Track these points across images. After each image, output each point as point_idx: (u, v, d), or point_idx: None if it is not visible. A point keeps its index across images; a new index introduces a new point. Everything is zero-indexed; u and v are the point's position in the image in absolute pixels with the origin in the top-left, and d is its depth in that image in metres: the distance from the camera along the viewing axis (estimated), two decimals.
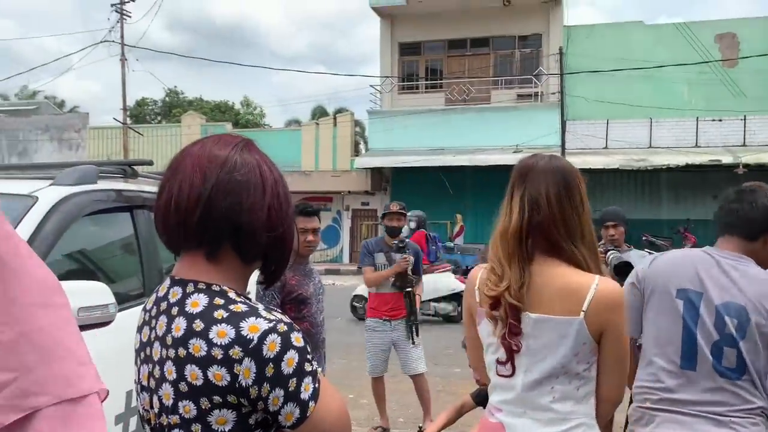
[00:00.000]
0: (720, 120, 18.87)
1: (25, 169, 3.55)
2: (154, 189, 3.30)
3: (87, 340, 2.23)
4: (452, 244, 18.81)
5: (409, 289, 4.88)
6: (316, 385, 1.08)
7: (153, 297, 1.19)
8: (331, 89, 70.99)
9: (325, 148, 22.19)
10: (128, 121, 24.61)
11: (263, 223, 1.12)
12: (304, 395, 1.06)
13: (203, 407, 1.04)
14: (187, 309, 1.08)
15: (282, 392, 1.04)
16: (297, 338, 1.06)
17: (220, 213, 1.09)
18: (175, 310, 1.10)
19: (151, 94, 47.43)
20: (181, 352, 1.05)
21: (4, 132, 26.12)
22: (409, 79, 23.06)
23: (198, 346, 1.04)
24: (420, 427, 4.81)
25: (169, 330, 1.09)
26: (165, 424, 1.09)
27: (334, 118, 23.10)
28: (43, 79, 68.34)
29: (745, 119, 18.74)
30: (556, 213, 1.58)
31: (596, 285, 1.55)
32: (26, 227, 2.23)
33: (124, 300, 2.50)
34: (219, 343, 1.03)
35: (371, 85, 22.39)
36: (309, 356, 1.08)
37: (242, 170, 1.12)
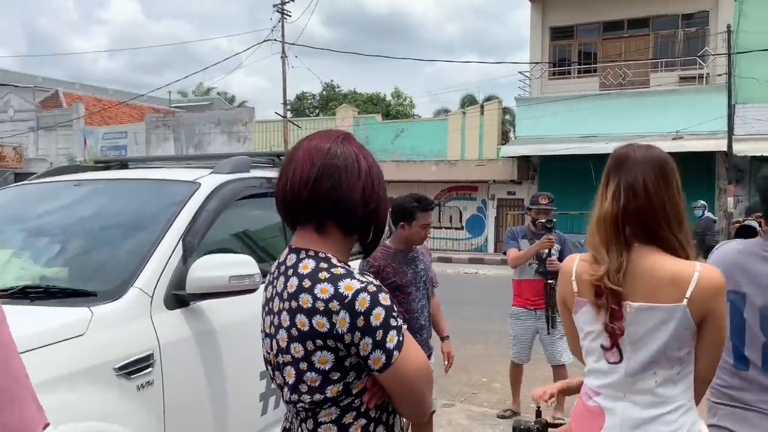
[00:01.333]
0: None
1: (197, 160, 4.12)
2: None
3: (237, 306, 2.62)
4: None
5: (551, 281, 4.80)
6: (401, 338, 1.29)
7: (276, 262, 1.45)
8: (482, 77, 70.33)
9: (471, 137, 22.22)
10: (289, 114, 26.29)
11: (358, 201, 1.36)
12: (390, 345, 1.27)
13: (308, 348, 1.29)
14: (299, 270, 1.34)
15: (370, 340, 1.26)
16: (384, 298, 1.29)
17: (324, 192, 1.34)
18: (290, 272, 1.35)
19: (310, 89, 50.08)
20: (293, 304, 1.31)
21: (183, 126, 29.09)
22: (561, 65, 22.38)
23: (306, 300, 1.29)
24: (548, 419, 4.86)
25: (285, 287, 1.35)
26: (281, 362, 1.35)
27: (481, 107, 23.02)
28: (216, 76, 74.59)
29: None
30: (654, 200, 1.64)
31: (698, 272, 1.60)
32: (190, 208, 2.67)
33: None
34: (322, 298, 1.27)
35: (520, 72, 22.05)
36: (395, 314, 1.30)
37: (341, 157, 1.37)
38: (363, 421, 1.35)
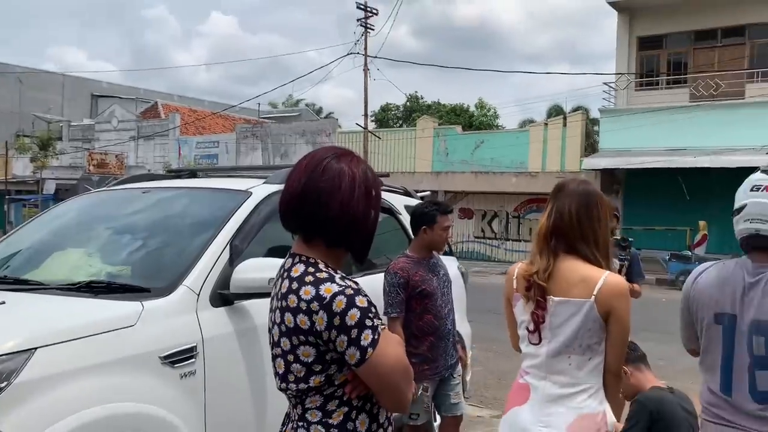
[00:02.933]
0: None
1: (262, 170, 4.39)
2: None
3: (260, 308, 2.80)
4: (690, 254, 17.33)
5: None
6: (376, 336, 1.43)
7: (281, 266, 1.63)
8: (570, 87, 68.78)
9: (553, 149, 21.86)
10: (373, 125, 26.76)
11: (336, 215, 1.49)
12: (364, 342, 1.42)
13: (294, 343, 1.47)
14: (291, 274, 1.52)
15: (346, 338, 1.41)
16: (361, 300, 1.44)
17: (307, 208, 1.50)
18: (285, 274, 1.54)
19: (395, 100, 50.69)
20: (283, 303, 1.49)
21: (270, 136, 30.23)
22: (649, 75, 21.67)
23: (293, 300, 1.46)
24: None
25: (280, 288, 1.53)
26: (274, 354, 1.55)
27: (564, 118, 22.61)
28: (306, 89, 76.79)
29: None
30: (573, 222, 2.10)
31: (605, 277, 2.04)
32: (240, 215, 2.91)
33: None
34: (305, 299, 1.44)
35: (605, 83, 21.52)
36: (371, 314, 1.44)
37: (326, 176, 1.50)
38: (345, 409, 1.50)
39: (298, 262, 1.52)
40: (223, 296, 2.67)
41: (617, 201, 20.91)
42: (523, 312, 2.17)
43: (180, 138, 30.31)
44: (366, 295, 1.47)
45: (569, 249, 2.11)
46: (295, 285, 1.47)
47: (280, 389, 1.56)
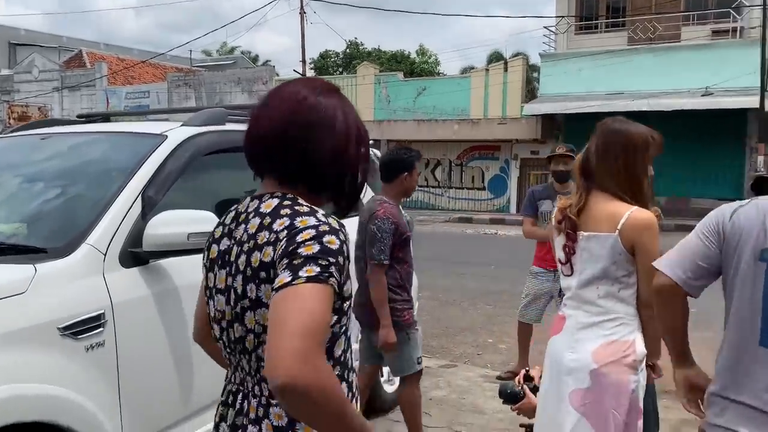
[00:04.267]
0: None
1: (185, 113, 3.97)
2: None
3: (197, 266, 2.50)
4: None
5: None
6: (321, 277, 1.13)
7: (232, 213, 1.37)
8: (511, 33, 68.70)
9: (495, 95, 21.73)
10: (312, 73, 25.93)
11: (328, 158, 1.28)
12: (302, 273, 1.13)
13: (258, 284, 1.22)
14: (261, 210, 1.27)
15: (287, 261, 1.15)
16: (331, 240, 1.19)
17: (293, 144, 1.26)
18: (251, 215, 1.28)
19: (335, 47, 49.40)
20: (251, 243, 1.24)
21: (204, 85, 29.01)
22: (588, 19, 21.62)
23: (263, 236, 1.23)
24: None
25: (245, 231, 1.28)
26: (239, 311, 1.26)
27: (505, 64, 22.43)
28: (240, 36, 74.04)
29: None
30: (601, 161, 2.19)
31: (630, 212, 2.11)
32: (153, 162, 2.54)
33: None
34: (276, 230, 1.21)
35: (545, 27, 21.38)
36: (331, 259, 1.17)
37: (318, 109, 1.28)
38: None
39: (268, 198, 1.29)
40: (136, 255, 2.32)
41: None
42: (558, 244, 2.32)
43: (108, 88, 28.74)
44: (344, 241, 1.22)
45: (600, 186, 2.19)
46: (267, 220, 1.24)
47: (251, 351, 1.26)
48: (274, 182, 1.32)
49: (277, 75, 27.11)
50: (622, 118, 2.28)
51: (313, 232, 1.18)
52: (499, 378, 4.95)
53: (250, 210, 1.30)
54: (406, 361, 3.41)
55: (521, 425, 3.11)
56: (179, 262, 2.43)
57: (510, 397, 3.05)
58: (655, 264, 1.83)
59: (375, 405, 4.03)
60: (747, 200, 1.72)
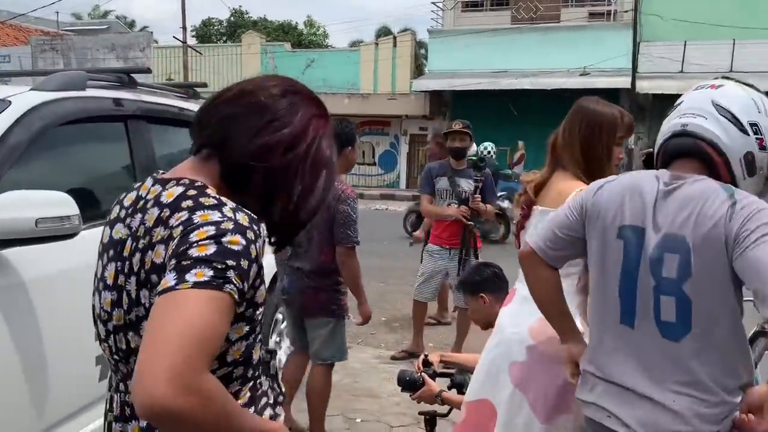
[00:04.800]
0: None
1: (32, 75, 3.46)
2: (155, 99, 3.19)
3: (60, 254, 2.14)
4: (510, 172, 18.25)
5: (471, 223, 4.57)
6: (212, 283, 0.95)
7: (132, 195, 1.17)
8: (399, 8, 68.97)
9: (384, 70, 21.65)
10: (194, 41, 24.65)
11: (245, 144, 1.10)
12: (190, 276, 0.94)
13: (150, 290, 1.04)
14: (161, 200, 1.08)
15: (175, 262, 0.97)
16: (233, 240, 0.99)
17: (218, 117, 1.13)
18: (150, 204, 1.09)
19: (218, 15, 47.25)
20: (147, 239, 1.06)
21: (74, 51, 26.78)
22: None
23: (158, 232, 1.05)
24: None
25: (142, 223, 1.09)
26: (134, 319, 1.08)
27: (394, 39, 22.39)
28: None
29: None
30: (565, 141, 2.20)
31: (579, 189, 1.97)
32: None
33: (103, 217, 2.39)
34: (171, 225, 1.02)
35: (433, 2, 21.49)
36: (230, 262, 0.98)
37: (266, 91, 1.15)
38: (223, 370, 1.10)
39: (173, 185, 1.10)
40: None
41: (445, 122, 21.38)
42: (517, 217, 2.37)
43: None
44: (252, 241, 1.02)
45: (563, 166, 2.20)
46: (166, 212, 1.05)
47: (126, 364, 1.13)
48: (196, 161, 1.15)
49: (155, 42, 25.50)
50: (597, 98, 2.25)
51: (212, 229, 0.99)
52: (393, 358, 4.85)
53: (149, 197, 1.11)
54: (339, 347, 3.34)
55: (420, 413, 2.99)
56: (30, 252, 2.05)
57: (409, 384, 2.92)
58: (526, 235, 1.87)
59: None
60: (614, 176, 1.74)
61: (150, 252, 1.05)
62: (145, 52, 27.85)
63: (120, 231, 1.14)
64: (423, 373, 2.90)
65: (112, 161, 2.78)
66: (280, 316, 3.96)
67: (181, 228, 1.01)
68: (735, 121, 1.52)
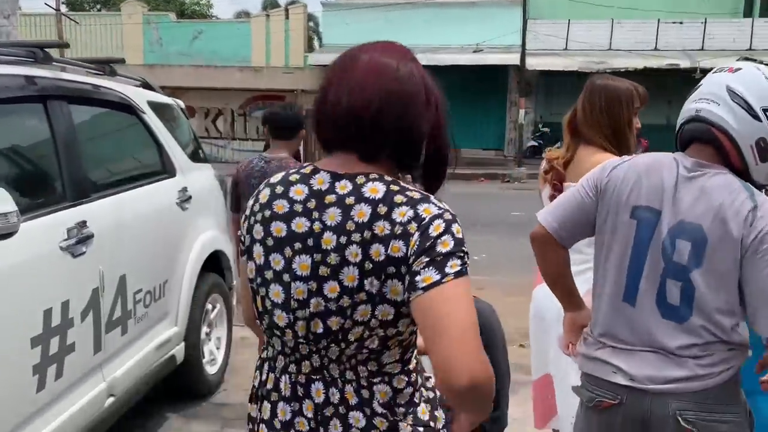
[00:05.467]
0: (681, 23, 18.60)
1: None
2: (73, 77, 2.89)
3: None
4: None
5: None
6: (464, 270, 1.13)
7: (300, 188, 1.22)
8: None
9: (276, 43, 21.07)
10: (65, 8, 22.76)
11: (424, 132, 1.21)
12: (449, 269, 1.11)
13: (382, 279, 1.14)
14: (367, 196, 1.17)
15: (427, 259, 1.11)
16: (458, 229, 1.16)
17: (388, 120, 1.17)
18: (351, 200, 1.17)
19: None
20: (366, 234, 1.14)
21: None
22: None
23: (382, 227, 1.14)
24: None
25: (348, 218, 1.16)
26: (346, 305, 1.16)
27: (286, 10, 21.81)
28: None
29: (705, 22, 18.51)
30: (588, 116, 2.35)
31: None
32: None
33: (31, 208, 2.14)
34: (400, 221, 1.14)
35: None
36: (464, 249, 1.15)
37: (411, 81, 1.20)
38: (416, 355, 1.28)
39: (368, 181, 1.19)
40: None
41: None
42: (544, 195, 2.46)
43: None
44: (459, 223, 1.18)
45: (588, 141, 2.33)
46: (382, 209, 1.15)
47: (311, 345, 1.20)
48: (353, 158, 1.21)
49: (20, 8, 23.33)
50: (607, 75, 2.44)
51: (442, 223, 1.15)
52: None
53: (342, 193, 1.19)
54: None
55: None
56: None
57: None
58: (537, 214, 1.87)
59: (198, 389, 3.63)
60: (630, 156, 1.78)
61: (378, 245, 1.14)
62: (11, 20, 25.30)
63: (304, 225, 1.19)
64: None
65: (31, 146, 2.50)
66: (210, 306, 3.79)
67: (415, 224, 1.13)
68: (747, 107, 1.54)
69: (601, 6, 18.30)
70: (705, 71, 15.19)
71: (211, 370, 3.75)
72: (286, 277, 1.20)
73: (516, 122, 19.60)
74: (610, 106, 2.30)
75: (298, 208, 1.21)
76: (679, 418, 1.54)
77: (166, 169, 3.51)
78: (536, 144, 19.96)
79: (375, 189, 1.17)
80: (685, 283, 1.55)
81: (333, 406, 1.21)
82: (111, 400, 2.66)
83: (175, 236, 3.39)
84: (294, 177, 1.25)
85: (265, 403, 1.28)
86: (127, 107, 3.25)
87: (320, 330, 1.19)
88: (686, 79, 15.50)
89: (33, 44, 2.68)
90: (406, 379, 1.23)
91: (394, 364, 1.22)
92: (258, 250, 1.23)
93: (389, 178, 1.19)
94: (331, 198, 1.19)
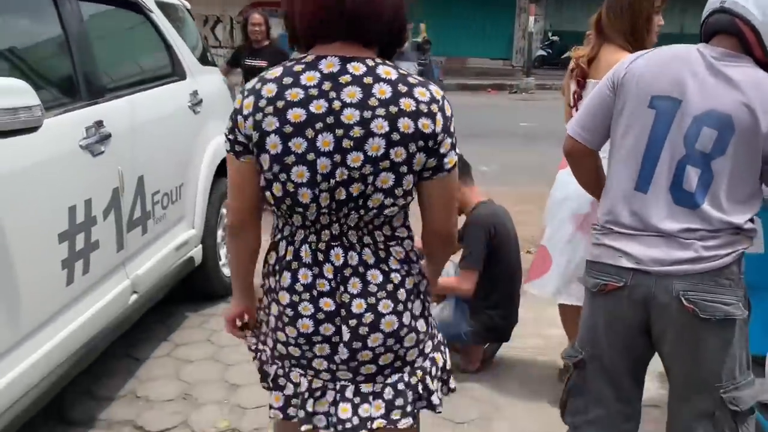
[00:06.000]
0: None
1: None
2: None
3: (18, 151, 1.91)
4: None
5: None
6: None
7: (310, 74, 1.31)
8: None
9: None
10: None
11: (405, 23, 1.40)
12: (457, 150, 1.40)
13: (410, 151, 1.31)
14: (383, 76, 1.31)
15: (450, 140, 1.36)
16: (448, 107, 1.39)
17: (387, 12, 1.32)
18: (369, 79, 1.30)
19: None
20: (393, 109, 1.29)
21: None
22: None
23: (408, 103, 1.30)
24: None
25: (370, 94, 1.29)
26: (366, 173, 1.30)
27: None
28: None
29: None
30: (611, 17, 2.45)
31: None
32: None
33: (49, 106, 2.13)
34: (423, 100, 1.31)
35: None
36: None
37: None
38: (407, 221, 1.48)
39: (379, 64, 1.34)
40: None
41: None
42: (570, 91, 2.61)
43: None
44: None
45: (610, 39, 2.46)
46: (402, 87, 1.31)
47: (365, 213, 1.35)
48: (355, 45, 1.34)
49: None
50: None
51: (449, 105, 1.36)
52: None
53: (357, 73, 1.30)
54: None
55: None
56: None
57: None
58: (567, 126, 1.88)
59: (215, 289, 3.74)
60: (649, 50, 1.78)
61: (407, 119, 1.29)
62: None
63: (323, 106, 1.29)
64: None
65: (45, 44, 2.46)
66: (224, 210, 3.83)
67: (435, 105, 1.32)
68: None
69: None
70: None
71: (227, 272, 3.84)
72: (310, 156, 1.30)
73: (525, 30, 19.05)
74: (630, 5, 2.39)
75: (314, 92, 1.30)
76: (682, 299, 1.60)
77: (177, 72, 3.46)
78: (545, 53, 19.47)
79: (388, 71, 1.31)
80: (704, 170, 1.58)
81: (351, 267, 1.37)
82: (135, 297, 2.75)
83: (189, 140, 3.38)
84: (298, 67, 1.32)
85: (285, 272, 1.40)
86: (134, 5, 3.17)
87: (343, 197, 1.32)
88: None
89: None
90: (411, 242, 1.46)
91: (402, 228, 1.43)
92: (273, 140, 1.31)
93: (391, 63, 1.36)
94: (346, 78, 1.30)
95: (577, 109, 2.47)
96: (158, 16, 3.34)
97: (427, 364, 1.49)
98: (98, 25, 2.83)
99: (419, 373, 1.46)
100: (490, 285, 2.88)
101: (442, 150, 1.34)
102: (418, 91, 1.31)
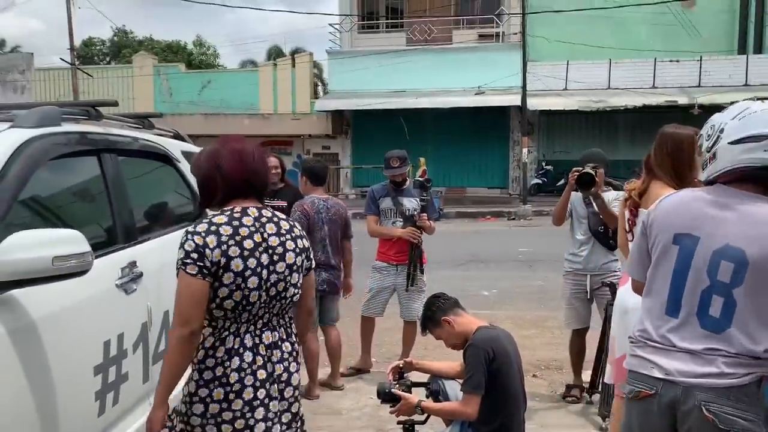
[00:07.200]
0: (677, 61, 19.07)
1: None
2: (121, 132, 3.18)
3: (64, 291, 2.13)
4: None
5: (417, 240, 4.82)
6: None
7: (246, 219, 2.17)
8: (288, 28, 68.94)
9: (283, 90, 21.67)
10: (77, 61, 23.47)
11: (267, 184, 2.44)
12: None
13: (302, 258, 2.27)
14: (278, 216, 2.28)
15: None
16: None
17: (262, 181, 2.36)
18: (275, 219, 2.25)
19: (99, 34, 45.02)
20: (295, 232, 2.28)
21: None
22: (369, 18, 22.52)
23: (297, 230, 2.31)
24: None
25: (279, 227, 2.23)
26: (286, 275, 2.21)
27: (293, 59, 22.49)
28: None
29: (701, 60, 18.97)
30: (657, 158, 2.90)
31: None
32: None
33: (94, 248, 2.39)
34: (298, 229, 2.32)
35: (330, 24, 21.81)
36: None
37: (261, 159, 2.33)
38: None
39: (268, 209, 2.29)
40: None
41: (347, 141, 21.69)
42: (624, 218, 3.07)
43: None
44: None
45: (658, 177, 2.88)
46: (287, 222, 2.29)
47: (290, 300, 2.25)
48: (254, 199, 2.28)
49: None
50: (676, 124, 2.94)
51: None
52: (342, 375, 4.96)
53: (268, 215, 2.23)
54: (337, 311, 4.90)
55: (399, 422, 3.16)
56: (35, 291, 2.04)
57: (389, 396, 3.08)
58: (628, 272, 2.30)
59: None
60: (670, 193, 2.13)
61: (299, 239, 2.29)
62: (25, 75, 26.21)
63: (260, 236, 2.17)
64: (398, 389, 3.07)
65: (92, 195, 2.77)
66: None
67: (297, 230, 2.34)
68: None
69: (598, 47, 18.82)
70: (702, 107, 15.47)
71: None
72: (258, 269, 2.12)
73: (519, 161, 19.94)
74: (675, 150, 2.82)
75: (253, 228, 2.16)
76: (703, 409, 1.78)
77: (200, 213, 3.77)
78: (541, 182, 20.24)
79: (276, 213, 2.27)
80: (727, 298, 1.81)
81: (274, 342, 2.18)
82: None
83: None
84: (237, 215, 2.16)
85: (234, 358, 2.10)
86: (164, 157, 3.54)
87: (273, 293, 2.15)
88: (685, 115, 15.89)
89: (87, 103, 2.97)
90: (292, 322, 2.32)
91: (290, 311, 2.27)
92: (236, 261, 2.08)
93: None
94: (264, 218, 2.21)
95: (632, 234, 2.95)
96: (184, 165, 3.70)
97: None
98: (133, 173, 3.16)
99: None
100: (492, 409, 2.91)
101: (311, 255, 2.35)
102: (285, 226, 2.25)
